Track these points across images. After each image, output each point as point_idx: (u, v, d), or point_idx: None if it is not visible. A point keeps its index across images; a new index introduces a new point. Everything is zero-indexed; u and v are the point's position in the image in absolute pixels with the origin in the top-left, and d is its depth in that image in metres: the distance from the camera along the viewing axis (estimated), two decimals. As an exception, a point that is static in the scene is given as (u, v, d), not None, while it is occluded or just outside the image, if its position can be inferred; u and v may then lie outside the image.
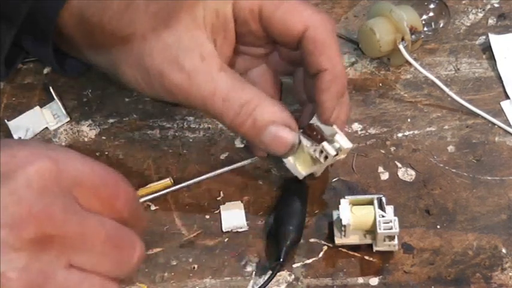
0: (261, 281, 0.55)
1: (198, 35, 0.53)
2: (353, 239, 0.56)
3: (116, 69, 0.56)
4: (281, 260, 0.54)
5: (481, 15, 0.69)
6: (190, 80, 0.52)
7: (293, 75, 0.59)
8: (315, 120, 0.55)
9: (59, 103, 0.64)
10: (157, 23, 0.53)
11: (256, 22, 0.54)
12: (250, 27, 0.54)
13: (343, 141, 0.55)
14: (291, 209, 0.56)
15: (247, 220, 0.58)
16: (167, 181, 0.59)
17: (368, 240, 0.56)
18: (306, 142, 0.55)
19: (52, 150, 0.42)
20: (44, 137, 0.63)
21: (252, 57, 0.58)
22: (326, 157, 0.54)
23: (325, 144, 0.54)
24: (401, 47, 0.63)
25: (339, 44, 0.54)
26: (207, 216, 0.58)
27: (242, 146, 0.62)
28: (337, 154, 0.55)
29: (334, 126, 0.55)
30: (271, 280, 0.54)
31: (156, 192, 0.59)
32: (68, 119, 0.64)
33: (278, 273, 0.55)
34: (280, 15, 0.53)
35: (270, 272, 0.55)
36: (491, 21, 0.69)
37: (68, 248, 0.41)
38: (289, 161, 0.56)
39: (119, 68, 0.56)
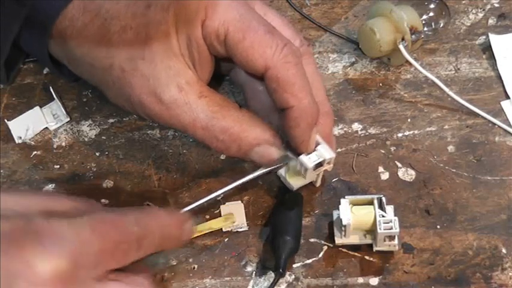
0: (261, 280, 0.55)
1: (174, 64, 0.53)
2: (353, 239, 0.56)
3: (102, 91, 0.57)
4: (281, 270, 0.54)
5: (481, 15, 0.69)
6: (170, 111, 0.53)
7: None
8: None
9: (59, 103, 0.64)
10: (133, 53, 0.53)
11: (222, 46, 0.53)
12: (216, 49, 0.54)
13: (325, 152, 0.55)
14: (288, 218, 0.56)
15: (247, 220, 0.58)
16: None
17: (368, 240, 0.56)
18: (290, 156, 0.55)
19: (64, 245, 0.42)
20: (44, 137, 0.63)
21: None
22: (306, 169, 0.55)
23: (302, 157, 0.55)
24: (401, 47, 0.63)
25: (304, 77, 0.53)
26: (207, 216, 0.58)
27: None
28: (320, 165, 0.55)
29: (318, 137, 0.55)
30: None
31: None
32: (68, 119, 0.64)
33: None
34: (243, 49, 0.52)
35: (269, 273, 0.55)
36: (491, 21, 0.69)
37: None
38: (281, 174, 0.58)
39: (103, 91, 0.57)
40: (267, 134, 0.54)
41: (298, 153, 0.55)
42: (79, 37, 0.55)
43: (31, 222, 0.43)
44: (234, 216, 0.58)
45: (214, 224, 0.57)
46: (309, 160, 0.55)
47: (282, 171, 0.57)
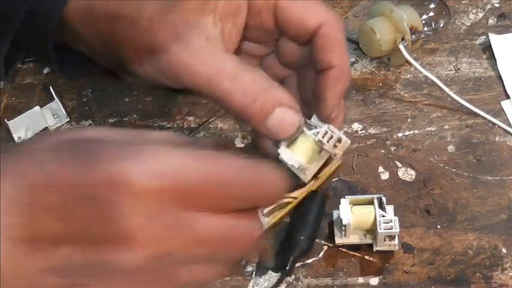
0: (261, 281, 0.55)
1: (204, 18, 0.52)
2: (353, 238, 0.56)
3: (120, 55, 0.55)
4: (287, 268, 0.54)
5: (481, 15, 0.69)
6: (197, 57, 0.51)
7: (283, 81, 0.58)
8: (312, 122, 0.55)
9: (59, 103, 0.64)
10: (166, 5, 0.53)
11: (270, 13, 0.54)
12: (262, 19, 0.54)
13: (342, 136, 0.54)
14: (306, 218, 0.56)
15: (247, 220, 0.58)
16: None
17: (368, 240, 0.56)
18: (307, 128, 0.54)
19: (156, 162, 0.40)
20: (44, 137, 0.63)
21: (250, 57, 0.58)
22: (328, 140, 0.53)
23: (330, 126, 0.53)
24: (401, 46, 0.63)
25: (346, 44, 0.55)
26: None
27: (242, 146, 0.62)
28: (339, 141, 0.53)
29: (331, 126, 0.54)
30: None
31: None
32: (68, 119, 0.64)
33: (277, 274, 0.55)
34: (296, 8, 0.53)
35: (269, 273, 0.55)
36: (491, 21, 0.69)
37: (180, 260, 0.41)
38: (285, 152, 0.54)
39: (123, 54, 0.55)
40: (289, 96, 0.52)
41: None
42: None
43: (132, 142, 0.41)
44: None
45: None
46: (336, 130, 0.52)
47: (286, 149, 0.54)
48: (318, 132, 0.53)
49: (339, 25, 0.54)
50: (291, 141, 0.54)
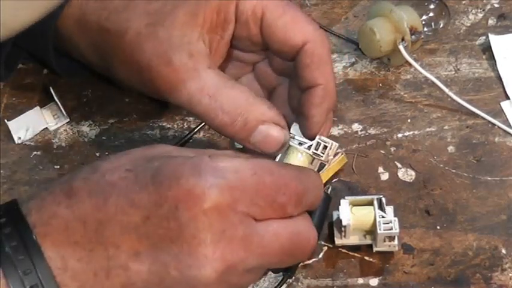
0: (261, 281, 0.55)
1: (191, 32, 0.52)
2: (353, 239, 0.56)
3: (110, 66, 0.56)
4: (289, 273, 0.54)
5: (481, 15, 0.69)
6: (178, 75, 0.51)
7: (276, 88, 0.58)
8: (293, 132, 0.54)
9: (59, 103, 0.64)
10: (154, 20, 0.53)
11: (257, 26, 0.53)
12: (249, 31, 0.54)
13: (333, 142, 0.53)
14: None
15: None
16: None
17: (368, 241, 0.56)
18: (296, 142, 0.53)
19: (222, 178, 0.44)
20: (44, 137, 0.63)
21: (242, 63, 0.57)
22: (323, 151, 0.53)
23: (321, 137, 0.53)
24: (401, 47, 0.63)
25: (332, 63, 0.54)
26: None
27: (241, 146, 0.62)
28: (330, 147, 0.53)
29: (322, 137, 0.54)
30: None
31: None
32: (68, 119, 0.63)
33: (278, 274, 0.55)
34: (282, 24, 0.52)
35: (268, 273, 0.55)
36: (491, 21, 0.69)
37: (247, 267, 0.45)
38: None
39: (112, 64, 0.55)
40: (274, 111, 0.52)
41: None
42: (99, 5, 0.55)
43: (193, 158, 0.45)
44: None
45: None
46: (327, 139, 0.53)
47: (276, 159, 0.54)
48: (309, 146, 0.52)
49: (324, 43, 0.53)
50: (282, 154, 0.53)
